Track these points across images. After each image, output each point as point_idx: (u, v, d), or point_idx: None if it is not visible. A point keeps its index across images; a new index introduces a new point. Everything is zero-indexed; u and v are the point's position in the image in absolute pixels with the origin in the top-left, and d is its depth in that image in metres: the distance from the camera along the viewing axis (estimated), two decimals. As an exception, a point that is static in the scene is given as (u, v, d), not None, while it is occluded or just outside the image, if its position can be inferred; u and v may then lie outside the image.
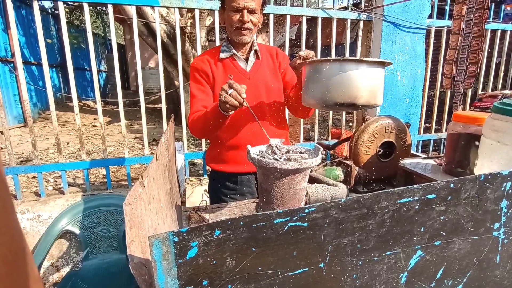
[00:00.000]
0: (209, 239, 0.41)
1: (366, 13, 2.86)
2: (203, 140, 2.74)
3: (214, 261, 0.43)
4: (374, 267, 0.54)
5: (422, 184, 0.52)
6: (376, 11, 2.83)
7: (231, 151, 1.50)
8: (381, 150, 1.39)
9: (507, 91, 1.23)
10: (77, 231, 2.27)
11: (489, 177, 0.57)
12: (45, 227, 2.25)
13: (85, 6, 2.19)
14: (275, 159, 0.84)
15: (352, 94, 0.94)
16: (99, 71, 11.61)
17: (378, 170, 1.39)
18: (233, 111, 1.14)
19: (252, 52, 1.45)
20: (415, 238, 0.54)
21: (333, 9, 2.82)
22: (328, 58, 0.98)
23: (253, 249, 0.44)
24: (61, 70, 8.53)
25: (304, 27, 2.74)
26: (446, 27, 3.07)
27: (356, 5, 3.11)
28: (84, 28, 10.67)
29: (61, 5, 2.18)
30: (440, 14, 3.14)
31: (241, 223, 0.42)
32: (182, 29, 5.43)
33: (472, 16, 1.68)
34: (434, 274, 0.59)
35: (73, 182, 3.25)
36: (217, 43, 2.52)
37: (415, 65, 2.99)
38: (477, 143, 0.90)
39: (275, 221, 0.44)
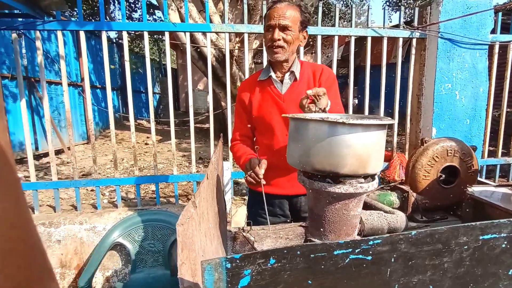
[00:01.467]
0: (263, 268, 0.38)
1: (419, 31, 2.73)
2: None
3: (268, 292, 0.40)
4: (450, 313, 0.46)
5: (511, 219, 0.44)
6: (431, 28, 2.69)
7: (267, 171, 1.47)
8: (443, 176, 1.26)
9: None
10: (127, 244, 2.36)
11: None
12: (99, 238, 2.38)
13: (145, 34, 2.39)
14: (328, 182, 0.79)
15: (333, 162, 0.75)
16: (153, 93, 12.52)
17: (440, 197, 1.26)
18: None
19: (288, 73, 1.42)
20: (501, 284, 0.46)
21: (384, 27, 2.73)
22: (308, 117, 0.83)
23: (309, 282, 0.40)
24: (120, 93, 9.34)
25: (352, 47, 2.69)
26: (512, 42, 2.81)
27: (408, 23, 2.99)
28: (141, 54, 11.68)
29: (125, 35, 2.40)
30: (505, 30, 2.89)
31: (298, 252, 0.39)
32: (230, 52, 5.68)
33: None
34: (526, 327, 0.49)
35: (126, 197, 3.44)
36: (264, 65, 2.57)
37: (476, 83, 2.75)
38: None
39: (335, 252, 0.40)
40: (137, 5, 10.20)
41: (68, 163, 4.68)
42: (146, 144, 7.55)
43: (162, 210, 2.55)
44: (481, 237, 0.44)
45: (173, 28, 2.40)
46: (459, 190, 1.26)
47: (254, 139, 1.56)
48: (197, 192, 0.59)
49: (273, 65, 1.44)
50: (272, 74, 1.42)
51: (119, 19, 11.22)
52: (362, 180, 0.81)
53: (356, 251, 0.40)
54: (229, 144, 1.58)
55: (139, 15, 10.59)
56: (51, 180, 2.43)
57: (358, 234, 0.86)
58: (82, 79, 6.34)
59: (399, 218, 0.90)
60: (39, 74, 5.31)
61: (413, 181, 1.25)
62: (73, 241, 2.37)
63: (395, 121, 0.83)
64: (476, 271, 0.45)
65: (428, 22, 2.72)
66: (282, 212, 1.50)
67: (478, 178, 1.37)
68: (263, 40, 1.43)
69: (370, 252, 0.41)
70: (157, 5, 6.38)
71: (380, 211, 0.94)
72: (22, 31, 2.36)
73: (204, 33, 5.43)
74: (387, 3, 12.87)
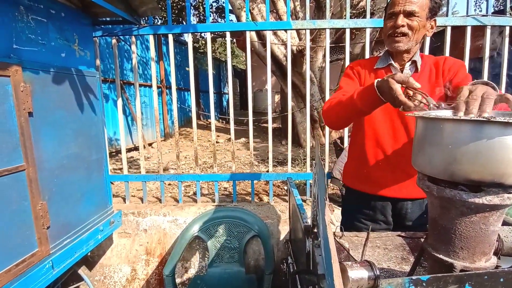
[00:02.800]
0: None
1: (536, 16, 2.30)
2: (327, 160, 2.65)
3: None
4: None
5: None
6: (553, 11, 2.25)
7: (368, 168, 1.36)
8: None
9: None
10: (205, 238, 2.46)
11: None
12: (180, 230, 2.52)
13: (227, 34, 2.45)
14: (463, 190, 0.67)
15: (497, 170, 0.61)
16: (222, 93, 13.09)
17: None
18: (391, 104, 0.97)
19: (409, 63, 1.29)
20: None
21: (487, 15, 2.37)
22: (456, 117, 0.68)
23: (511, 317, 0.32)
24: (195, 93, 9.99)
25: (449, 37, 2.39)
26: None
27: (500, 12, 2.55)
28: (213, 57, 12.29)
29: (208, 36, 2.49)
30: None
31: (501, 279, 0.30)
32: (301, 51, 5.60)
33: None
34: None
35: (200, 193, 3.62)
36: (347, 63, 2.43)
37: None
38: None
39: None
40: (210, 10, 10.75)
41: (148, 158, 5.11)
42: (217, 142, 7.91)
43: (238, 208, 2.60)
44: None
45: (254, 27, 2.41)
46: None
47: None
48: (324, 195, 0.54)
49: (392, 55, 1.32)
50: (392, 62, 1.31)
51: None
52: (511, 189, 0.67)
53: None
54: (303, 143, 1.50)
55: (212, 19, 11.13)
56: (140, 173, 2.66)
57: (494, 254, 0.72)
58: (162, 81, 6.90)
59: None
60: (126, 76, 5.96)
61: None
62: (157, 231, 2.55)
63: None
64: None
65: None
66: (384, 218, 1.36)
67: None
68: (383, 30, 1.30)
69: None
70: (231, 8, 6.63)
71: (522, 228, 0.78)
72: (120, 36, 2.62)
73: (275, 34, 5.46)
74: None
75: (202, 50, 9.03)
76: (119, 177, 2.63)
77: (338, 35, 5.99)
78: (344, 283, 0.69)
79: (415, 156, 0.77)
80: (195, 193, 2.83)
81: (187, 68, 9.10)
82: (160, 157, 2.63)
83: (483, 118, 0.62)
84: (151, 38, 2.46)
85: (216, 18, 11.02)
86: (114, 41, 2.49)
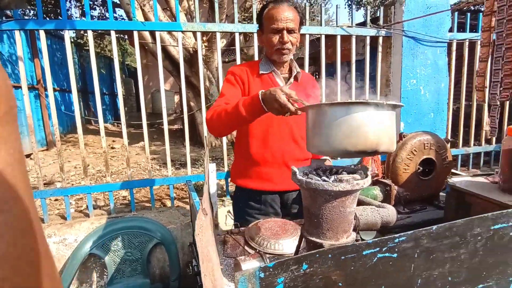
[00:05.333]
0: (296, 274, 0.37)
1: (385, 29, 2.85)
2: (225, 160, 2.72)
3: (299, 299, 0.39)
4: (464, 302, 0.48)
5: (516, 208, 0.47)
6: (395, 26, 2.82)
7: (257, 167, 1.47)
8: (421, 168, 1.33)
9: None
10: (102, 254, 2.24)
11: None
12: (71, 250, 2.23)
13: (113, 33, 2.26)
14: (325, 181, 0.79)
15: (372, 141, 0.80)
16: (116, 94, 11.98)
17: (419, 188, 1.32)
18: (274, 112, 1.09)
19: (294, 74, 1.45)
20: (509, 270, 0.48)
21: (352, 26, 2.82)
22: (344, 101, 0.84)
23: (340, 284, 0.40)
24: (81, 95, 8.83)
25: (323, 45, 2.75)
26: (467, 40, 3.03)
27: (373, 21, 3.11)
28: (103, 55, 11.10)
29: (90, 34, 2.25)
30: (461, 28, 3.11)
31: (330, 255, 0.38)
32: (197, 52, 5.57)
33: (503, 27, 1.64)
34: (527, 308, 0.53)
35: (95, 204, 3.26)
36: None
37: (438, 79, 2.93)
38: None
39: (364, 253, 0.40)
40: (95, 3, 9.68)
41: (28, 171, 4.34)
42: (112, 148, 7.21)
43: (137, 217, 2.44)
44: (492, 227, 0.46)
45: (142, 27, 2.30)
46: (436, 181, 1.33)
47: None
48: (203, 199, 0.56)
49: (274, 62, 1.43)
50: (275, 69, 1.43)
51: (76, 18, 10.58)
52: (358, 176, 0.82)
53: (383, 249, 0.41)
54: (205, 144, 1.53)
55: (98, 13, 10.04)
56: (12, 191, 2.24)
57: (354, 230, 0.88)
58: (38, 81, 5.90)
59: (390, 212, 0.94)
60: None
61: (394, 174, 1.30)
62: (40, 256, 2.20)
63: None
64: (488, 260, 0.47)
65: (392, 21, 2.85)
66: (274, 210, 1.49)
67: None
68: (265, 42, 1.39)
69: (396, 250, 0.41)
70: (118, 2, 6.11)
71: (372, 206, 0.97)
72: (-30, 29, 2.13)
73: (170, 32, 5.28)
74: (349, 2, 13.33)
75: (88, 47, 8.08)
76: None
77: (233, 37, 6.19)
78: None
79: (311, 141, 0.90)
80: (95, 206, 2.53)
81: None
82: (39, 170, 2.26)
83: (358, 100, 0.82)
84: (17, 34, 2.09)
85: (104, 12, 9.98)
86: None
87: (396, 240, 0.41)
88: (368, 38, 2.85)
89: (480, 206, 0.97)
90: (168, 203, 2.92)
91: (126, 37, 9.86)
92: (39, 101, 6.06)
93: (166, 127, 2.52)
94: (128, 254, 2.33)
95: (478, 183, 1.06)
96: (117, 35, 2.34)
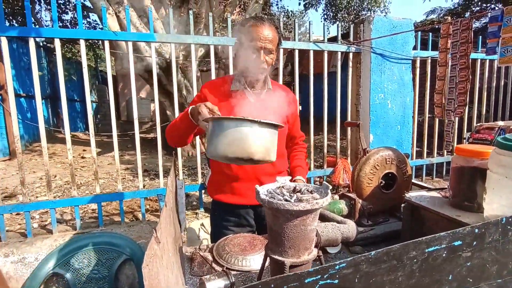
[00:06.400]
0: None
1: (355, 46, 2.98)
2: (199, 172, 2.70)
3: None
4: (404, 321, 0.51)
5: (449, 232, 0.50)
6: (364, 43, 2.95)
7: (231, 182, 1.50)
8: (383, 182, 1.39)
9: (500, 123, 1.27)
10: (65, 273, 2.14)
11: (511, 219, 0.56)
12: (31, 270, 2.11)
13: (82, 42, 2.21)
14: (286, 200, 0.82)
15: (249, 150, 1.01)
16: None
17: (381, 202, 1.38)
18: (200, 121, 1.22)
19: (265, 90, 1.46)
20: (443, 287, 0.52)
21: (324, 42, 2.92)
22: (232, 117, 1.04)
23: (283, 313, 0.41)
24: (50, 102, 8.47)
25: (297, 59, 2.82)
26: (430, 58, 3.21)
27: (344, 36, 3.24)
28: (75, 60, 10.75)
29: (57, 42, 2.19)
30: (424, 45, 3.30)
31: (272, 285, 0.40)
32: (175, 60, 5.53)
33: (457, 49, 1.76)
34: (464, 323, 0.57)
35: (61, 218, 3.12)
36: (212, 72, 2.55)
37: (404, 93, 3.08)
38: (482, 177, 0.91)
39: (306, 281, 0.41)
40: (67, 7, 9.40)
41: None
42: (83, 158, 6.94)
43: (106, 232, 2.36)
44: (426, 250, 0.49)
45: (114, 37, 2.26)
46: (397, 194, 1.39)
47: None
48: (158, 225, 0.57)
49: (246, 78, 1.44)
50: (247, 87, 1.44)
51: (46, 21, 10.20)
52: (318, 196, 0.85)
53: (325, 276, 0.43)
54: (180, 155, 1.53)
55: (70, 17, 9.76)
56: (-32, 207, 2.10)
57: (315, 247, 0.90)
58: (2, 87, 5.62)
59: (351, 227, 0.97)
60: None
61: (359, 188, 1.35)
62: (-3, 276, 2.07)
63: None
64: (424, 280, 0.50)
65: (362, 39, 2.98)
66: (248, 222, 1.52)
67: (412, 181, 1.54)
68: (241, 57, 1.39)
69: (337, 276, 0.43)
70: (92, 7, 5.97)
71: (333, 223, 1.00)
72: None
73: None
74: (325, 16, 13.77)
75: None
76: None
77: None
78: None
79: (207, 148, 1.08)
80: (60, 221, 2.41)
81: (39, 73, 7.70)
82: (-3, 184, 2.14)
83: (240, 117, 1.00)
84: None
85: (77, 16, 9.73)
86: None
87: (337, 267, 0.43)
88: (339, 53, 2.96)
89: (432, 220, 1.03)
90: (140, 216, 2.85)
91: (100, 42, 9.62)
92: (2, 107, 5.77)
93: (137, 136, 2.48)
94: (95, 272, 2.23)
95: (431, 198, 1.12)
96: (91, 41, 2.28)
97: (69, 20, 9.57)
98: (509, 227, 0.56)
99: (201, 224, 2.55)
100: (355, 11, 13.55)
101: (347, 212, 1.35)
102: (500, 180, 0.81)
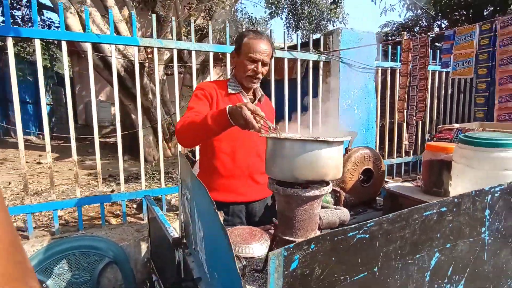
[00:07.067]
0: (306, 252, 0.52)
1: (325, 55, 3.23)
2: (162, 177, 2.72)
3: (307, 271, 0.53)
4: (408, 269, 0.67)
5: (439, 200, 0.68)
6: (333, 53, 3.22)
7: (224, 179, 1.55)
8: (362, 177, 1.59)
9: (456, 125, 1.54)
10: (44, 279, 2.07)
11: (477, 192, 0.75)
12: (7, 278, 2.02)
13: (37, 41, 2.13)
14: (297, 188, 0.96)
15: (321, 172, 0.93)
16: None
17: (361, 194, 1.58)
18: (240, 127, 1.17)
19: (258, 97, 1.60)
20: (434, 243, 0.70)
21: (298, 51, 3.14)
22: (301, 137, 0.98)
23: (333, 259, 0.55)
24: (0, 103, 7.85)
25: (273, 66, 3.00)
26: (389, 68, 3.58)
27: (304, 45, 3.47)
28: (29, 60, 10.03)
29: (10, 41, 2.08)
30: (384, 56, 3.66)
31: (328, 237, 0.53)
32: (140, 63, 5.45)
33: (417, 62, 2.05)
34: (446, 271, 0.75)
35: (38, 225, 2.96)
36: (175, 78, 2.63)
37: (368, 100, 3.40)
38: (448, 167, 1.13)
39: (348, 235, 0.56)
40: (20, 3, 8.79)
41: None
42: (39, 163, 6.51)
43: (86, 235, 2.32)
44: (424, 214, 0.66)
45: (97, 40, 2.26)
46: (373, 187, 1.60)
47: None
48: (212, 207, 0.67)
49: (242, 84, 1.55)
50: (242, 90, 1.55)
51: (-5, 18, 9.41)
52: (325, 184, 1.00)
53: (361, 231, 0.57)
54: (142, 158, 1.58)
55: (23, 14, 9.11)
56: None
57: (318, 229, 1.05)
58: None
59: (345, 213, 1.14)
60: None
61: (342, 182, 1.54)
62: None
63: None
64: (422, 237, 0.67)
65: (331, 49, 3.25)
66: (240, 220, 1.58)
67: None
68: (238, 65, 1.50)
69: (368, 232, 0.59)
70: (52, 6, 5.67)
71: (331, 209, 1.16)
72: None
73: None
74: (287, 25, 14.30)
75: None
76: None
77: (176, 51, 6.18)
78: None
79: (269, 167, 1.01)
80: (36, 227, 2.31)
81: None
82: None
83: (309, 137, 0.94)
84: None
85: (29, 13, 9.09)
86: None
87: (368, 225, 0.58)
88: (311, 62, 3.19)
89: (409, 205, 1.23)
90: (113, 221, 2.81)
91: (55, 42, 9.09)
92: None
93: (97, 140, 2.45)
94: (76, 277, 2.19)
95: (407, 187, 1.34)
96: (46, 39, 2.20)
97: (21, 18, 8.93)
98: (476, 198, 0.76)
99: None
100: (316, 21, 14.24)
101: (333, 203, 1.52)
102: (463, 169, 1.02)
